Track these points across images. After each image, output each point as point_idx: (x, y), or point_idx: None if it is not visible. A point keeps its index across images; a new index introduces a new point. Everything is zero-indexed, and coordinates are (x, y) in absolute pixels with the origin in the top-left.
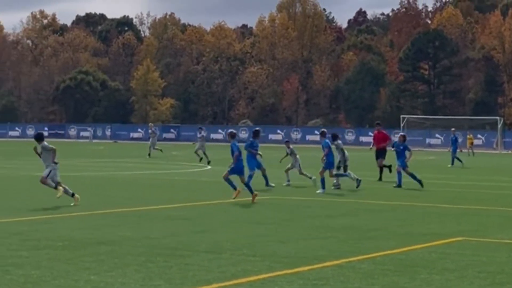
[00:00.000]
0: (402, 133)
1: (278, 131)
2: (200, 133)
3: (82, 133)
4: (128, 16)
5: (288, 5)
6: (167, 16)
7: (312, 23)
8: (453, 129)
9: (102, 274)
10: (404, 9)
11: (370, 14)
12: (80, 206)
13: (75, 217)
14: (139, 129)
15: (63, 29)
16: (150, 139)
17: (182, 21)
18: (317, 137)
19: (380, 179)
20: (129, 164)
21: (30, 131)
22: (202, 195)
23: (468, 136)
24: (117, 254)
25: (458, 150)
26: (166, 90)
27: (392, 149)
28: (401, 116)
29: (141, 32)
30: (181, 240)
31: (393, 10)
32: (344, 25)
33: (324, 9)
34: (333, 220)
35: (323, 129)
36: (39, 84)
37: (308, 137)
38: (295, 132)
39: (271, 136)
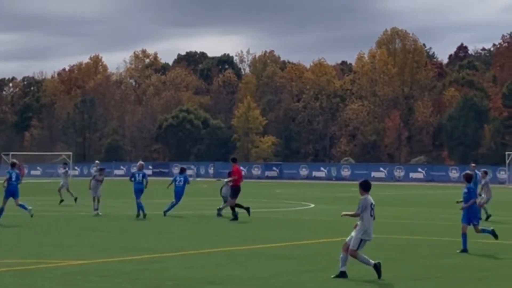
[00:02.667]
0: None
1: (381, 169)
2: (64, 168)
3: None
4: (228, 54)
5: (387, 41)
6: (267, 54)
7: (412, 59)
8: None
9: None
10: (506, 44)
11: (471, 49)
12: (188, 244)
13: (184, 256)
14: (241, 168)
15: (165, 68)
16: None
17: (281, 59)
18: (421, 175)
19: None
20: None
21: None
22: (307, 233)
23: None
24: None
25: None
26: (267, 128)
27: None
28: (506, 153)
29: (242, 70)
30: (288, 280)
31: (494, 44)
32: (445, 60)
33: (424, 45)
34: (444, 259)
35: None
36: (143, 123)
37: (412, 175)
38: (398, 170)
39: (373, 174)
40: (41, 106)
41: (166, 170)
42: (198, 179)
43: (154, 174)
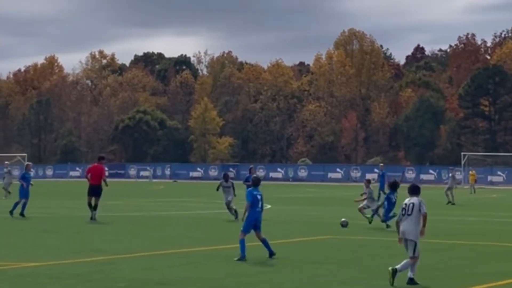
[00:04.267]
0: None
1: (338, 169)
2: (6, 168)
3: (142, 173)
4: (185, 55)
5: (345, 42)
6: (225, 54)
7: (369, 60)
8: None
9: None
10: (462, 45)
11: (428, 51)
12: (142, 246)
13: (137, 258)
14: (198, 169)
15: (122, 68)
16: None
17: (239, 59)
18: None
19: None
20: (189, 203)
21: (75, 173)
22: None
23: (470, 172)
24: None
25: None
26: (224, 129)
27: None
28: (462, 153)
29: (199, 71)
30: (241, 281)
31: (451, 46)
32: (402, 61)
33: (381, 46)
34: (395, 259)
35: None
36: (99, 124)
37: (368, 175)
38: (354, 171)
39: (330, 175)
40: None
41: (122, 171)
42: (155, 180)
43: (111, 175)
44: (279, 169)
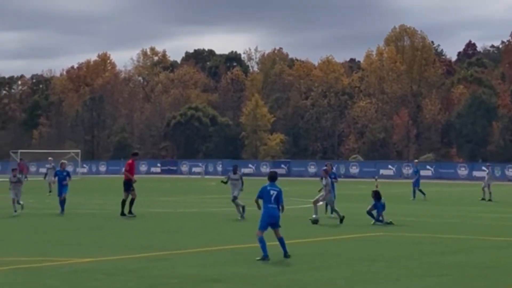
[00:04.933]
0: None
1: (389, 166)
2: (50, 164)
3: (194, 169)
4: (236, 52)
5: (396, 39)
6: (275, 51)
7: (420, 56)
8: None
9: None
10: None
11: (480, 47)
12: (195, 242)
13: (191, 254)
14: (250, 165)
15: (173, 65)
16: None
17: (290, 56)
18: (429, 173)
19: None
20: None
21: (143, 168)
22: (314, 231)
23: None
24: None
25: None
26: (275, 126)
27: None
28: None
29: (250, 68)
30: (295, 278)
31: (503, 42)
32: (454, 58)
33: (432, 42)
34: (447, 257)
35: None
36: (151, 121)
37: (420, 172)
38: (406, 168)
39: (382, 171)
40: (50, 104)
41: (175, 168)
42: (206, 177)
43: (163, 172)
44: None
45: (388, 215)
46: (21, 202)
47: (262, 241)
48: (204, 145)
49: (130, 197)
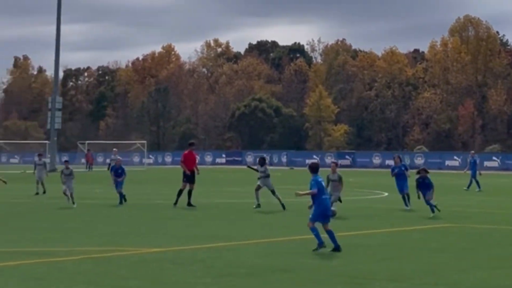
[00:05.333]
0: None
1: (455, 157)
2: (40, 159)
3: None
4: (299, 43)
5: (460, 29)
6: (339, 42)
7: (485, 46)
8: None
9: None
10: None
11: None
12: (262, 232)
13: (258, 244)
14: (314, 156)
15: (236, 57)
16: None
17: (353, 47)
18: (495, 164)
19: None
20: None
21: (208, 158)
22: (379, 222)
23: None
24: (298, 281)
25: None
26: (339, 116)
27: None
28: None
29: (313, 59)
30: (362, 268)
31: None
32: None
33: (497, 32)
34: None
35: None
36: (215, 112)
37: (486, 163)
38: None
39: (447, 162)
40: (116, 96)
41: (240, 158)
42: (271, 167)
43: (228, 162)
44: None
45: (454, 207)
46: (68, 195)
47: (315, 230)
48: (269, 135)
49: (188, 188)
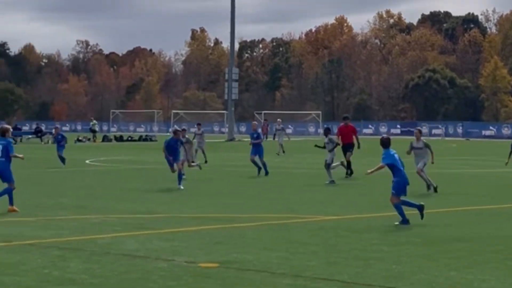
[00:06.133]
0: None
1: None
2: (199, 129)
3: (434, 131)
4: (473, 14)
5: None
6: None
7: None
8: None
9: (461, 270)
10: None
11: None
12: (436, 203)
13: (433, 214)
14: (491, 127)
15: (409, 28)
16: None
17: None
18: None
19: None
20: (480, 162)
21: (383, 129)
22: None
23: None
24: (475, 251)
25: None
26: None
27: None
28: None
29: (488, 29)
30: None
31: None
32: None
33: None
34: None
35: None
36: (389, 83)
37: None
38: None
39: None
40: (290, 67)
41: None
42: (447, 138)
43: (403, 133)
44: None
45: None
46: (191, 164)
47: (400, 207)
48: (443, 106)
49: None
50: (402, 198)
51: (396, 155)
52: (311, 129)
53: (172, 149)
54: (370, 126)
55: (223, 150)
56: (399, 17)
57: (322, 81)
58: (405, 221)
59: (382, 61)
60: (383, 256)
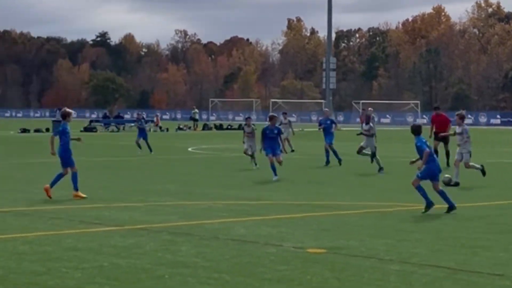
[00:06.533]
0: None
1: None
2: (285, 118)
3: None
4: None
5: None
6: None
7: None
8: None
9: None
10: None
11: None
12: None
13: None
14: None
15: (508, 17)
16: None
17: None
18: None
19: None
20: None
21: (482, 119)
22: None
23: None
24: None
25: None
26: None
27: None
28: None
29: None
30: None
31: None
32: None
33: None
34: None
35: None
36: (488, 72)
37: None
38: None
39: None
40: (387, 56)
41: None
42: None
43: (503, 123)
44: None
45: None
46: (249, 154)
47: (422, 189)
48: None
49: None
50: (441, 187)
51: (427, 142)
52: (409, 119)
53: (268, 138)
54: (469, 116)
55: (321, 139)
56: (498, 6)
57: (420, 71)
58: (429, 203)
59: (480, 50)
60: (490, 245)
